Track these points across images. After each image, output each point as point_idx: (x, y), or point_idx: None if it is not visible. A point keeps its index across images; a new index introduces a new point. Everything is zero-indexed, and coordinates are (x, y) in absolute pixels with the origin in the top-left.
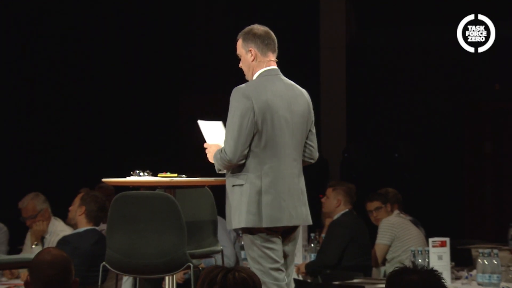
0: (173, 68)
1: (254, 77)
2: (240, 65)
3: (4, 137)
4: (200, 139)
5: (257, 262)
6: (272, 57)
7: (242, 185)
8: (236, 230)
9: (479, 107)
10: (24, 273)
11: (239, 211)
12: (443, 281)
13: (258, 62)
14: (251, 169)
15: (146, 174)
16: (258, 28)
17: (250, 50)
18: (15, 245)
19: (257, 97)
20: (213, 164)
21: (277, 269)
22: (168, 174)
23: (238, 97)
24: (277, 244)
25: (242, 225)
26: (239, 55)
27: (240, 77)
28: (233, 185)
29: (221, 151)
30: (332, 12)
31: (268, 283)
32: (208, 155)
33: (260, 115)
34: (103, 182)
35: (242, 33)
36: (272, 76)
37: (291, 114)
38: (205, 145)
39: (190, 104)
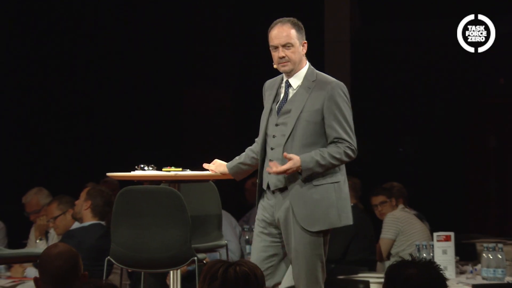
0: (177, 62)
1: (305, 71)
2: (286, 53)
3: (9, 131)
4: (204, 135)
5: (323, 260)
6: None
7: (338, 182)
8: (242, 225)
9: (483, 102)
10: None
11: (341, 208)
12: (441, 272)
13: (304, 56)
14: (342, 165)
15: (151, 168)
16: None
17: (305, 44)
18: (20, 240)
19: None
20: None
21: None
22: (173, 169)
23: (346, 92)
24: None
25: (350, 222)
26: (290, 44)
27: (244, 72)
28: (323, 184)
29: (346, 147)
30: (336, 6)
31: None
32: (291, 166)
33: None
34: (108, 177)
35: (294, 24)
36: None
37: None
38: (278, 169)
39: (194, 99)
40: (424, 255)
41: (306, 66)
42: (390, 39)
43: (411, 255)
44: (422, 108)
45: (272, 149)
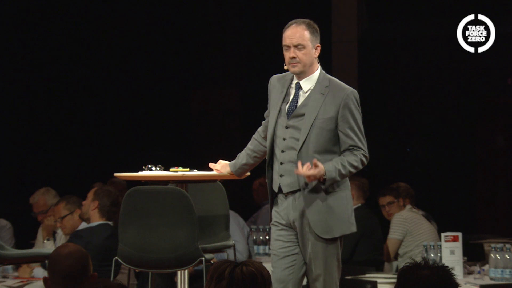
0: (185, 63)
1: (317, 75)
2: (297, 54)
3: (16, 132)
4: (212, 135)
5: (339, 259)
6: None
7: (347, 190)
8: (250, 225)
9: (491, 102)
10: (23, 268)
11: (351, 216)
12: (454, 276)
13: (316, 59)
14: None
15: (158, 168)
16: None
17: (318, 47)
18: (27, 240)
19: None
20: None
21: None
22: (180, 169)
23: (358, 99)
24: None
25: (355, 230)
26: (302, 46)
27: (252, 73)
28: (336, 191)
29: (361, 154)
30: (343, 6)
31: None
32: (316, 173)
33: None
34: (115, 177)
35: (309, 26)
36: None
37: None
38: (305, 171)
39: (202, 99)
40: (432, 255)
41: (318, 70)
42: (397, 39)
43: (424, 258)
44: (429, 108)
45: (282, 151)
